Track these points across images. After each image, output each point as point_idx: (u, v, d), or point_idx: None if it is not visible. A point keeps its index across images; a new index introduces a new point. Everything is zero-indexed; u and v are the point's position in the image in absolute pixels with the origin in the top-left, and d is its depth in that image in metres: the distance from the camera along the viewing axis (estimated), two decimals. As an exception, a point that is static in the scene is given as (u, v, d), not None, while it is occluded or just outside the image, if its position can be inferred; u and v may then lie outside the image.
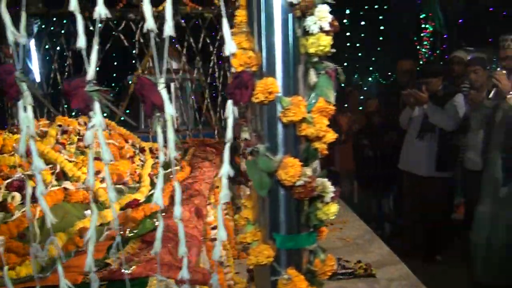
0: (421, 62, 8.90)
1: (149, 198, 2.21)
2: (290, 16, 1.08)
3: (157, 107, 0.86)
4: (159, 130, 0.91)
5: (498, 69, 3.91)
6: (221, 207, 1.00)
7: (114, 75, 8.16)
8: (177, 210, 0.88)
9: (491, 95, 3.73)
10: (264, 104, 1.07)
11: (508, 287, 3.72)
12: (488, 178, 3.83)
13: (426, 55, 9.16)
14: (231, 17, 1.10)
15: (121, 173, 2.37)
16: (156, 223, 1.87)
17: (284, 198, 1.11)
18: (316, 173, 1.13)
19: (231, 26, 0.98)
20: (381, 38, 10.32)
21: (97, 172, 2.05)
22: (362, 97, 6.64)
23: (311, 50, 1.08)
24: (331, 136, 1.11)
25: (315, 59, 1.11)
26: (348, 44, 9.70)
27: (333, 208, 1.13)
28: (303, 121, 1.08)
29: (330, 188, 1.12)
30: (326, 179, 1.13)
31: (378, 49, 10.39)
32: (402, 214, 5.01)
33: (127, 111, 7.40)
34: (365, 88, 11.34)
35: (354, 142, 5.25)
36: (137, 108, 6.29)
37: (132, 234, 1.76)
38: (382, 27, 10.16)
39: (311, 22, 1.07)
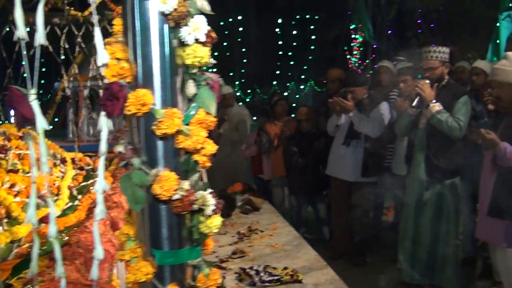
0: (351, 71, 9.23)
1: (65, 212, 2.13)
2: (166, 26, 1.07)
3: (28, 119, 0.81)
4: (30, 144, 0.86)
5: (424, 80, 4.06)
6: (97, 224, 0.97)
7: (42, 81, 7.85)
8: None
9: (414, 103, 3.88)
10: (137, 116, 1.04)
11: (432, 286, 3.88)
12: (412, 182, 3.98)
13: (356, 64, 9.49)
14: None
15: (37, 186, 2.26)
16: (65, 238, 1.80)
17: (165, 213, 1.09)
18: (197, 186, 1.11)
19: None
20: (312, 48, 10.57)
21: (12, 185, 1.95)
22: (294, 105, 6.76)
23: (188, 61, 1.07)
24: (211, 148, 1.09)
25: (194, 70, 1.09)
26: (280, 53, 9.89)
27: (216, 221, 1.11)
28: (179, 133, 1.06)
29: (211, 201, 1.11)
30: (207, 192, 1.12)
31: (310, 57, 10.65)
32: (331, 219, 5.12)
33: (56, 119, 7.14)
34: (297, 96, 11.58)
35: (284, 149, 5.29)
36: (64, 116, 6.07)
37: (40, 251, 1.68)
38: (313, 37, 10.42)
39: (186, 33, 1.06)
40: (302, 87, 12.44)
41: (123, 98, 1.00)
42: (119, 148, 1.09)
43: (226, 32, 12.86)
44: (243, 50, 13.11)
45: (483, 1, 6.89)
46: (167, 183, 1.03)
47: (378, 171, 4.60)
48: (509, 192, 2.94)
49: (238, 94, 13.18)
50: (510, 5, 8.71)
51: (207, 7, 1.11)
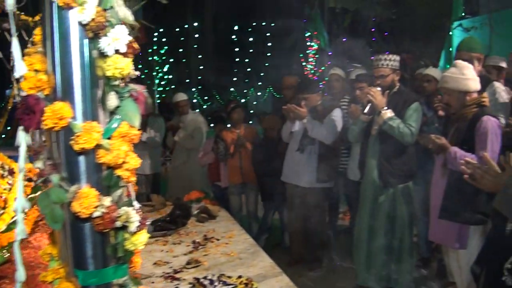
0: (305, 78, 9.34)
1: (10, 226, 2.03)
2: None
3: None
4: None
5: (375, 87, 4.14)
6: (18, 244, 0.92)
7: (-4, 88, 7.57)
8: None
9: (366, 110, 3.96)
10: (54, 130, 0.99)
11: (387, 288, 3.96)
12: (366, 187, 4.06)
13: (312, 71, 9.61)
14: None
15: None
16: (6, 256, 1.72)
17: (88, 231, 1.04)
18: (120, 202, 1.07)
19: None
20: (269, 54, 10.64)
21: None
22: (252, 111, 6.76)
23: (109, 73, 1.03)
24: (135, 162, 1.05)
25: (115, 82, 1.05)
26: (237, 60, 9.89)
27: (142, 237, 1.07)
28: (99, 147, 1.02)
29: (135, 217, 1.06)
30: (131, 208, 1.07)
31: (266, 64, 10.71)
32: (288, 225, 5.16)
33: (8, 127, 6.88)
34: (254, 102, 11.63)
35: (252, 157, 5.29)
36: (17, 126, 5.83)
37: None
38: (270, 44, 10.50)
39: (105, 44, 1.02)
40: (259, 93, 12.50)
41: (40, 112, 0.96)
42: (38, 164, 1.04)
43: (182, 39, 12.76)
44: (200, 56, 13.03)
45: (435, 10, 7.13)
46: (87, 200, 0.98)
47: (333, 177, 4.67)
48: (459, 195, 3.03)
49: (195, 100, 13.09)
50: (462, 14, 9.11)
51: (130, 17, 1.07)
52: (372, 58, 4.08)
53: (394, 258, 3.96)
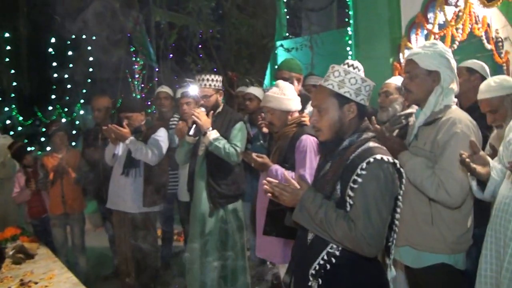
0: (134, 95, 9.19)
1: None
2: None
3: None
4: None
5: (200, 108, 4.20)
6: None
7: None
8: None
9: (191, 131, 4.00)
10: None
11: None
12: (196, 210, 4.09)
13: (139, 88, 9.50)
14: None
15: None
16: None
17: None
18: None
19: None
20: (91, 70, 10.24)
21: None
22: (75, 131, 6.42)
23: None
24: None
25: None
26: (55, 75, 9.32)
27: None
28: None
29: None
30: None
31: (89, 80, 10.28)
32: (115, 254, 5.02)
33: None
34: (77, 122, 11.10)
35: (82, 182, 5.08)
36: None
37: None
38: (91, 58, 10.10)
39: None
40: (83, 111, 11.95)
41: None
42: None
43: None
44: (13, 72, 11.98)
45: (259, 30, 7.59)
46: None
47: (161, 199, 4.60)
48: (281, 211, 3.24)
49: (9, 122, 11.96)
50: (286, 35, 9.83)
51: None
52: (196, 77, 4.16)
53: (229, 279, 4.07)
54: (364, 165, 2.00)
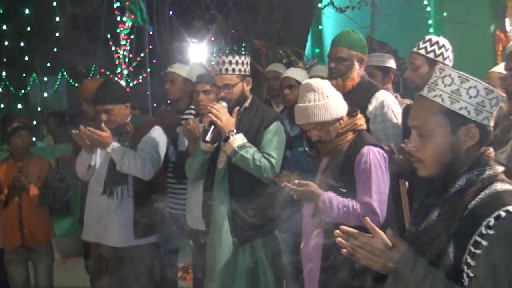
0: (119, 70, 9.07)
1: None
2: None
3: None
4: None
5: None
6: None
7: None
8: None
9: (208, 136, 3.85)
10: None
11: None
12: (214, 244, 4.06)
13: (127, 59, 9.36)
14: None
15: None
16: None
17: None
18: None
19: None
20: (57, 35, 10.26)
21: None
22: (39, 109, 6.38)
23: None
24: None
25: None
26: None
27: None
28: None
29: None
30: None
31: (55, 50, 10.30)
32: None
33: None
34: (45, 95, 11.28)
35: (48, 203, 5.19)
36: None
37: None
38: (57, 18, 10.03)
39: None
40: (47, 79, 12.05)
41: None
42: None
43: None
44: None
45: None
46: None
47: (158, 227, 4.59)
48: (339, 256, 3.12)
49: None
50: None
51: None
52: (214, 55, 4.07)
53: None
54: (491, 221, 1.86)
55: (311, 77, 4.72)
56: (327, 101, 3.36)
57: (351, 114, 3.49)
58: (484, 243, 1.85)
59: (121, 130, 4.45)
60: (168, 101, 5.38)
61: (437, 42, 3.87)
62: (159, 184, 4.56)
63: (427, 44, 3.89)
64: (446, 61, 3.87)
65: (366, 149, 3.28)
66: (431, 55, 3.86)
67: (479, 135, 2.01)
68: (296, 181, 3.34)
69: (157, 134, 4.52)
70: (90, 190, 4.58)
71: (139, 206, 4.40)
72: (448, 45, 3.91)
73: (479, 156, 2.05)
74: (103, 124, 4.26)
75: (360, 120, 3.46)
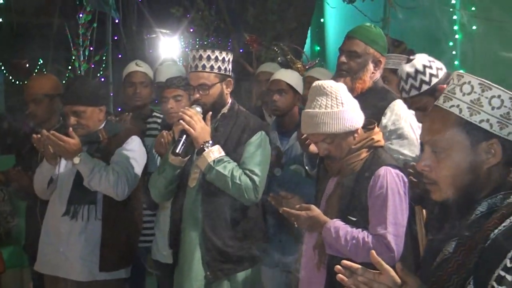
0: (77, 66, 9.15)
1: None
2: None
3: None
4: None
5: None
6: None
7: None
8: None
9: (179, 147, 3.90)
10: None
11: None
12: (183, 279, 4.17)
13: (85, 54, 9.43)
14: None
15: None
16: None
17: None
18: None
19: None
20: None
21: None
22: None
23: None
24: None
25: None
26: None
27: None
28: None
29: None
30: None
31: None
32: None
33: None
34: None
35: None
36: None
37: None
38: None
39: None
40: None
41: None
42: None
43: None
44: None
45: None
46: None
47: (130, 259, 4.71)
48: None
49: None
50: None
51: None
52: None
53: None
54: None
55: (306, 81, 4.82)
56: (341, 109, 3.36)
57: (367, 126, 3.53)
58: (509, 278, 1.87)
59: (92, 138, 4.53)
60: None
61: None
62: (135, 206, 4.62)
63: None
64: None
65: (383, 170, 3.33)
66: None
67: (502, 152, 2.05)
68: (297, 206, 3.41)
69: (135, 145, 4.58)
70: (49, 210, 4.62)
71: (109, 232, 4.46)
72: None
73: (503, 177, 2.09)
74: (71, 129, 4.29)
75: (377, 135, 3.51)
